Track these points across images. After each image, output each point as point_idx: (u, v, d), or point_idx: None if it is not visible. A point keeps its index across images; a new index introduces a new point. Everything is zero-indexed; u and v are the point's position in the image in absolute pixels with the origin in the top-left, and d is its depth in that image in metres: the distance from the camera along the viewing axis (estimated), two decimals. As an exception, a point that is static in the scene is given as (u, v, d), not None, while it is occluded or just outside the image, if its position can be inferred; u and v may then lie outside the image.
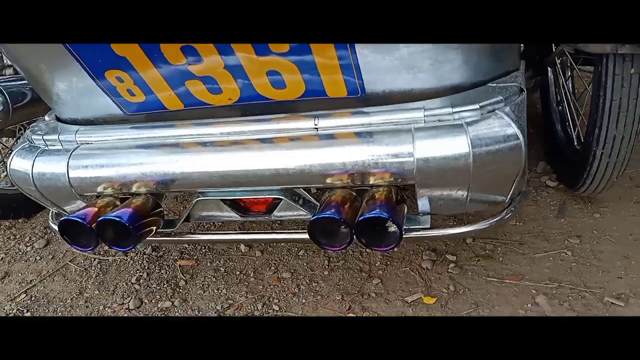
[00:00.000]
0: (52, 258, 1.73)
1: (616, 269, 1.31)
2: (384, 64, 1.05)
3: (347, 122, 1.11)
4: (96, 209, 1.22)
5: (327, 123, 1.12)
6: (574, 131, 1.57)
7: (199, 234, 1.38)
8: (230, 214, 1.31)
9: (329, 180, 1.12)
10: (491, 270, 1.37)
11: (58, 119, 1.38)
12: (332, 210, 1.05)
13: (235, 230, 1.68)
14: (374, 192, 1.11)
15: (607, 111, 1.22)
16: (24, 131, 2.01)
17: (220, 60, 1.08)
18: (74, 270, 1.65)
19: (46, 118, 1.42)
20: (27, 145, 1.32)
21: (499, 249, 1.44)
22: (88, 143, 1.26)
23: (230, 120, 1.20)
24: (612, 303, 1.21)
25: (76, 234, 1.21)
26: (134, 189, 1.23)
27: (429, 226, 1.17)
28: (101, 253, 1.70)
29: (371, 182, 1.10)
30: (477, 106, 1.04)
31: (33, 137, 1.31)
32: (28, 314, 1.49)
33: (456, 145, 1.03)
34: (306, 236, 1.15)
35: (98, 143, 1.25)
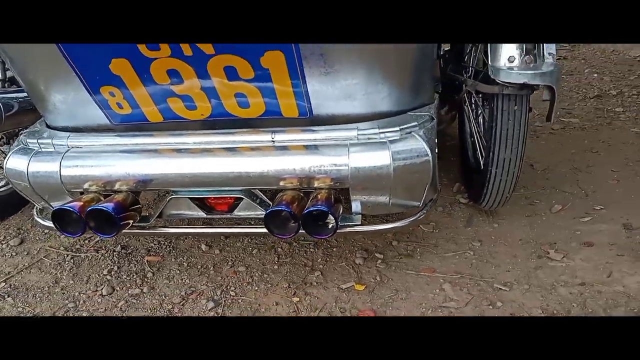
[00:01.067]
0: (27, 254, 1.92)
1: (505, 264, 1.65)
2: (328, 93, 1.36)
3: (297, 137, 1.41)
4: (83, 202, 1.45)
5: (282, 137, 1.41)
6: (481, 158, 1.93)
7: (169, 227, 1.62)
8: (197, 212, 1.57)
9: (281, 183, 1.41)
10: (410, 265, 1.69)
11: (48, 126, 1.61)
12: (284, 205, 1.34)
13: (201, 225, 1.92)
14: (317, 193, 1.40)
15: (498, 138, 1.58)
16: (5, 139, 2.20)
17: (198, 82, 1.36)
18: (48, 264, 1.84)
19: (37, 125, 1.64)
20: (22, 148, 1.54)
21: (418, 249, 1.76)
22: (78, 147, 1.50)
23: (201, 132, 1.47)
24: (499, 289, 1.55)
25: (66, 222, 1.44)
26: (116, 186, 1.48)
27: (359, 223, 1.47)
28: (73, 250, 1.91)
29: (315, 185, 1.40)
30: (397, 128, 1.37)
31: (28, 140, 1.54)
32: (10, 299, 1.68)
33: (381, 158, 1.34)
34: (262, 230, 1.43)
35: (87, 147, 1.49)
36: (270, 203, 1.49)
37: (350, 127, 1.40)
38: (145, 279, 1.72)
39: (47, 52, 1.33)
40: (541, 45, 1.44)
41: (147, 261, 1.80)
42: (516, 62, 1.43)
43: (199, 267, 1.76)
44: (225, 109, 1.43)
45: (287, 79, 1.34)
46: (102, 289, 1.68)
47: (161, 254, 1.84)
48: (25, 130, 1.63)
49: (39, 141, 1.52)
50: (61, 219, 1.42)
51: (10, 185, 2.18)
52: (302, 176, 1.38)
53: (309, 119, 1.43)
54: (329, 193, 1.41)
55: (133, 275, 1.74)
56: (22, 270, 1.82)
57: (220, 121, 1.47)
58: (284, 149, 1.41)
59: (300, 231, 1.36)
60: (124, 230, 1.52)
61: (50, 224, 1.68)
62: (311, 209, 1.32)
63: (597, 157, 2.34)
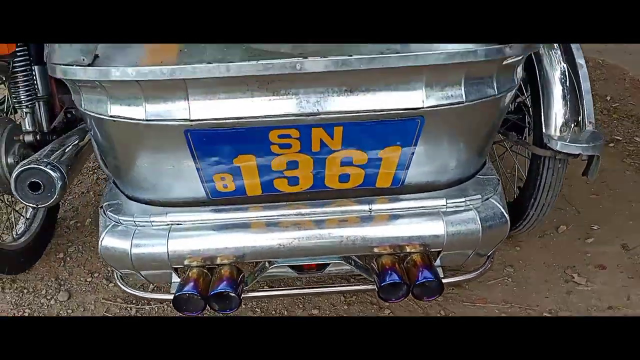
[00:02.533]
0: (84, 310, 1.91)
1: (542, 291, 1.95)
2: (426, 168, 1.52)
3: (392, 206, 1.56)
4: (197, 281, 1.51)
5: (378, 207, 1.55)
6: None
7: (266, 290, 1.72)
8: (288, 272, 1.69)
9: (376, 250, 1.56)
10: (464, 296, 1.93)
11: (130, 198, 1.61)
12: (396, 275, 1.50)
13: (296, 287, 2.01)
14: (413, 257, 1.57)
15: (541, 189, 1.84)
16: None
17: (312, 169, 1.46)
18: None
19: (114, 194, 1.62)
20: (115, 226, 1.54)
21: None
22: (179, 223, 1.53)
23: (298, 204, 1.57)
24: (547, 317, 1.84)
25: (185, 303, 1.49)
26: (218, 260, 1.55)
27: (442, 277, 1.67)
28: (133, 302, 1.93)
29: (409, 250, 1.57)
30: (479, 196, 1.56)
31: (120, 218, 1.54)
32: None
33: (471, 225, 1.54)
34: (359, 287, 1.59)
35: (187, 223, 1.53)
36: (359, 262, 1.65)
37: (439, 196, 1.57)
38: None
39: (173, 141, 1.35)
40: (584, 113, 1.69)
41: (217, 310, 1.88)
42: (568, 132, 1.68)
43: (272, 312, 1.88)
44: (325, 184, 1.54)
45: (396, 164, 1.48)
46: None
47: (228, 300, 1.92)
48: (104, 203, 1.62)
49: (136, 219, 1.53)
50: (181, 301, 1.48)
51: (28, 237, 2.12)
52: (399, 243, 1.55)
53: (396, 188, 1.58)
54: (425, 257, 1.58)
55: (211, 327, 1.82)
56: (91, 331, 1.83)
57: (315, 192, 1.57)
58: (380, 218, 1.56)
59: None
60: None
61: (133, 291, 1.71)
62: (422, 279, 1.50)
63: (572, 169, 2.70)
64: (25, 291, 2.01)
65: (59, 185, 1.59)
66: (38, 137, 1.89)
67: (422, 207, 1.55)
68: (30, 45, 1.82)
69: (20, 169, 1.56)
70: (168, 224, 1.52)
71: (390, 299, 1.54)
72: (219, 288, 1.46)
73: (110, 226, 1.54)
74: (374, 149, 1.42)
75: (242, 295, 1.68)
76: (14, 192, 1.58)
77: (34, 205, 1.63)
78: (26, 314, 1.91)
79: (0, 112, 2.02)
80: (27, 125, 1.88)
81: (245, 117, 1.26)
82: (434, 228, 1.53)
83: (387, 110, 1.29)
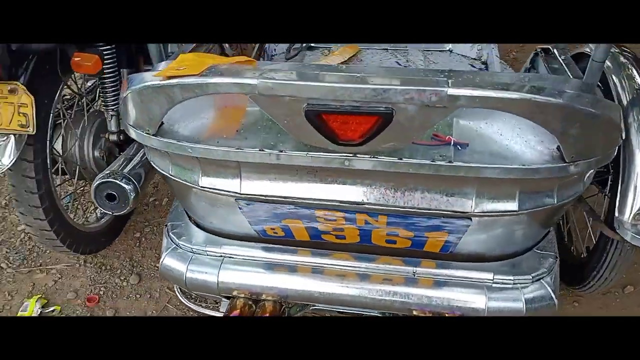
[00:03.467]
0: (149, 297, 2.12)
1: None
2: (477, 243, 1.49)
3: (437, 272, 1.56)
4: (242, 310, 1.62)
5: (422, 271, 1.56)
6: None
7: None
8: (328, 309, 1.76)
9: (415, 312, 1.57)
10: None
11: (194, 223, 1.72)
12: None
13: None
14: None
15: (605, 267, 1.74)
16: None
17: (358, 233, 1.48)
18: (174, 313, 2.05)
19: (180, 217, 1.75)
20: (175, 249, 1.67)
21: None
22: (231, 256, 1.63)
23: (344, 254, 1.61)
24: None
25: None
26: (263, 296, 1.64)
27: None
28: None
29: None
30: (530, 277, 1.52)
31: (180, 242, 1.66)
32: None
33: (515, 303, 1.51)
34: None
35: (239, 257, 1.63)
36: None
37: (487, 269, 1.54)
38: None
39: (226, 202, 1.43)
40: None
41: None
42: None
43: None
44: (372, 241, 1.56)
45: (443, 243, 1.47)
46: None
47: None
48: (169, 223, 1.75)
49: (193, 246, 1.65)
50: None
51: (107, 219, 2.32)
52: (437, 309, 1.55)
53: (444, 255, 1.57)
54: None
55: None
56: (152, 320, 2.03)
57: (361, 247, 1.60)
58: (423, 282, 1.56)
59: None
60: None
61: (189, 304, 1.86)
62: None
63: None
64: (103, 268, 2.24)
65: (132, 197, 1.74)
66: (121, 137, 2.03)
67: (467, 277, 1.54)
68: (118, 50, 1.91)
69: (99, 182, 1.72)
70: (221, 256, 1.63)
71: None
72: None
73: (171, 249, 1.67)
74: (420, 232, 1.42)
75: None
76: (93, 200, 1.75)
77: (110, 213, 1.80)
78: (101, 292, 2.14)
79: (92, 102, 2.18)
80: (112, 126, 2.02)
81: (292, 198, 1.30)
82: (476, 301, 1.52)
83: (434, 211, 1.27)
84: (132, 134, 1.32)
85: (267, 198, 1.33)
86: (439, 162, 1.17)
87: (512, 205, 1.25)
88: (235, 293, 1.64)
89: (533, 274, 1.52)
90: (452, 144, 1.21)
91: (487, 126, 1.29)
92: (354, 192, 1.30)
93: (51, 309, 2.08)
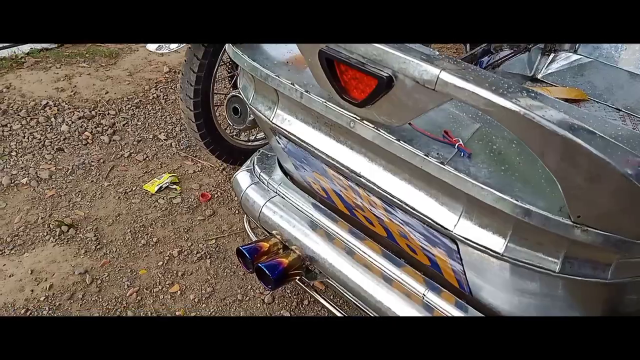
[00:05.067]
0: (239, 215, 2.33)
1: None
2: (486, 290, 1.26)
3: (447, 307, 1.37)
4: (261, 250, 1.69)
5: (432, 297, 1.38)
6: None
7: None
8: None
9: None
10: None
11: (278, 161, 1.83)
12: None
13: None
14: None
15: None
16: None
17: (376, 218, 1.40)
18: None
19: (270, 151, 1.87)
20: (250, 168, 1.80)
21: None
22: (283, 197, 1.70)
23: (374, 245, 1.52)
24: None
25: (242, 256, 1.70)
26: (293, 247, 1.66)
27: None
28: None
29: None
30: None
31: (256, 165, 1.79)
32: (209, 260, 2.11)
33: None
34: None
35: (289, 202, 1.68)
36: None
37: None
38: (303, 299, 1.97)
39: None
40: None
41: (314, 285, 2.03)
42: None
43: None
44: (396, 240, 1.44)
45: (451, 270, 1.28)
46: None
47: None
48: (262, 149, 1.89)
49: (261, 173, 1.76)
50: (240, 252, 1.70)
51: (255, 144, 2.57)
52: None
53: (466, 294, 1.36)
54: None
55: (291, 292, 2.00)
56: (231, 234, 2.24)
57: (390, 246, 1.50)
58: (428, 309, 1.39)
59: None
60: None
61: (250, 232, 1.97)
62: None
63: None
64: (230, 180, 2.52)
65: (250, 117, 1.94)
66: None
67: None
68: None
69: (230, 95, 1.96)
70: (275, 192, 1.70)
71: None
72: (263, 265, 1.61)
73: (246, 166, 1.82)
74: (423, 242, 1.26)
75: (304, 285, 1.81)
76: (224, 109, 2.01)
77: (231, 125, 2.03)
78: (216, 195, 2.42)
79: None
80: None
81: (310, 145, 1.31)
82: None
83: (417, 212, 1.13)
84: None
85: (291, 136, 1.35)
86: (430, 159, 1.03)
87: (498, 244, 1.02)
88: (274, 232, 1.70)
89: None
90: (456, 146, 1.05)
91: (510, 148, 1.07)
92: (355, 159, 1.23)
93: (174, 187, 2.45)
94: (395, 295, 1.43)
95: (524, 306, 1.25)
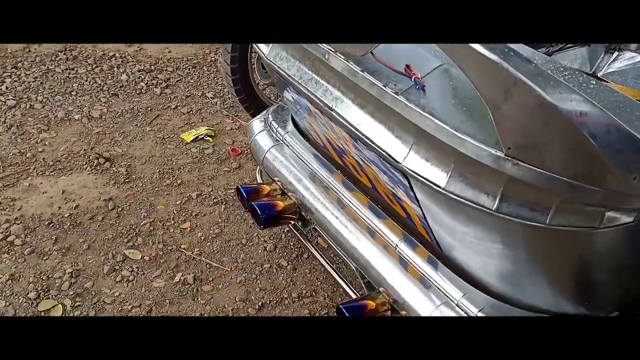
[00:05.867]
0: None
1: None
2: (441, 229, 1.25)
3: (418, 261, 1.36)
4: (261, 190, 1.75)
5: (404, 249, 1.38)
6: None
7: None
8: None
9: (375, 285, 1.41)
10: None
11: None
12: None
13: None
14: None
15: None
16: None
17: (355, 161, 1.41)
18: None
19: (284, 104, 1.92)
20: (265, 117, 1.87)
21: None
22: (288, 145, 1.75)
23: (361, 196, 1.53)
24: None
25: (240, 194, 1.75)
26: (289, 193, 1.71)
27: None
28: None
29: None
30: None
31: (270, 115, 1.85)
32: (223, 206, 2.20)
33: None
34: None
35: (292, 150, 1.73)
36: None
37: (461, 292, 1.27)
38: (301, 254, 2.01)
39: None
40: None
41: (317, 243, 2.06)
42: None
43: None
44: (378, 191, 1.45)
45: (418, 217, 1.28)
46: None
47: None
48: (280, 101, 1.95)
49: (272, 121, 1.82)
50: (239, 191, 1.76)
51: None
52: (389, 296, 1.37)
53: (438, 251, 1.34)
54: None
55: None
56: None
57: (378, 199, 1.50)
58: (402, 261, 1.39)
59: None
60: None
61: (258, 176, 2.04)
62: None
63: None
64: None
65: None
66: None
67: (442, 288, 1.30)
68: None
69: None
70: (281, 141, 1.76)
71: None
72: (256, 204, 1.67)
73: (263, 114, 1.89)
74: (388, 183, 1.27)
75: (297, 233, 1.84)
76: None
77: (260, 80, 2.12)
78: (246, 152, 2.51)
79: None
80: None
81: (295, 79, 1.35)
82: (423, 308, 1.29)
83: (373, 143, 1.14)
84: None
85: (281, 71, 1.40)
86: (387, 89, 1.04)
87: (441, 178, 1.01)
88: (275, 179, 1.76)
89: None
90: (412, 79, 1.05)
91: (466, 86, 1.05)
92: (329, 93, 1.26)
93: (209, 139, 2.57)
94: (373, 246, 1.44)
95: (476, 256, 1.21)
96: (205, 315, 1.73)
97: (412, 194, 1.17)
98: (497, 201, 0.97)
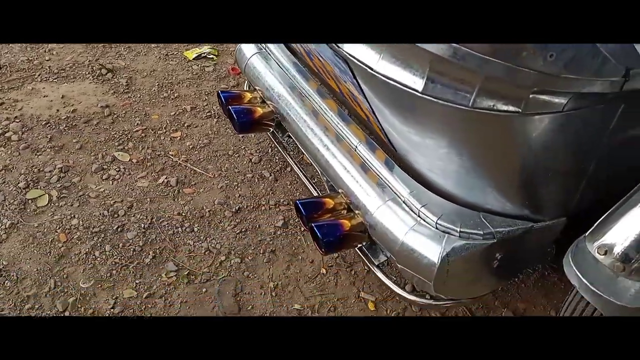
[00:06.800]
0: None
1: None
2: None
3: (375, 163, 1.37)
4: (243, 97, 1.76)
5: (362, 151, 1.39)
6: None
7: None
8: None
9: (334, 185, 1.43)
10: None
11: None
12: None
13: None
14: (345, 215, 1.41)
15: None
16: None
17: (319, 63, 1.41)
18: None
19: None
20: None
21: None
22: (270, 53, 1.75)
23: (331, 103, 1.53)
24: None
25: (218, 97, 1.78)
26: (267, 102, 1.71)
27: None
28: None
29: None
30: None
31: None
32: (215, 119, 2.24)
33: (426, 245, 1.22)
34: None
35: (272, 58, 1.73)
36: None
37: (419, 201, 1.26)
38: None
39: None
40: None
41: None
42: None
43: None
44: (344, 95, 1.45)
45: (365, 113, 1.28)
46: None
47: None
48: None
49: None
50: (219, 96, 1.78)
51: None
52: (346, 198, 1.39)
53: (395, 157, 1.35)
54: (348, 220, 1.39)
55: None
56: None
57: (345, 103, 1.50)
58: (357, 161, 1.40)
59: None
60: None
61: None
62: (318, 226, 1.36)
63: None
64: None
65: None
66: None
67: (388, 183, 1.32)
68: None
69: None
70: (266, 51, 1.77)
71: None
72: (234, 107, 1.69)
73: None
74: (340, 76, 1.26)
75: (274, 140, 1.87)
76: None
77: None
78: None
79: None
80: None
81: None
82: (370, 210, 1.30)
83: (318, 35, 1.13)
84: None
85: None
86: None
87: (373, 59, 1.01)
88: (257, 88, 1.77)
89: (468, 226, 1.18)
90: None
91: None
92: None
93: (211, 56, 2.60)
94: (335, 149, 1.45)
95: (418, 152, 1.20)
96: (183, 214, 1.80)
97: (356, 82, 1.17)
98: (423, 83, 0.97)
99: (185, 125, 2.19)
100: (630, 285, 0.98)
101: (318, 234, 1.33)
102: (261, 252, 1.70)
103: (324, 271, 1.66)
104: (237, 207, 1.84)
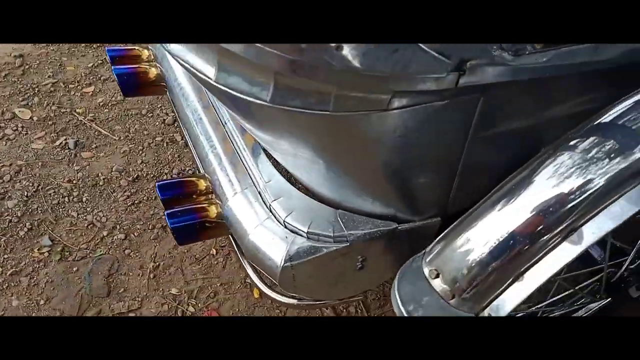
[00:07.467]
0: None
1: None
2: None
3: (242, 145, 1.20)
4: (134, 56, 1.58)
5: (230, 128, 1.21)
6: None
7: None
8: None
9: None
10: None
11: None
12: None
13: None
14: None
15: None
16: None
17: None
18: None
19: None
20: None
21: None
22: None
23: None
24: None
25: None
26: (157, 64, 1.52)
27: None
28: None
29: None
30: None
31: None
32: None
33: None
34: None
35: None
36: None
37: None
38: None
39: None
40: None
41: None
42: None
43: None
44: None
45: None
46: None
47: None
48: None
49: None
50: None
51: None
52: (210, 180, 1.23)
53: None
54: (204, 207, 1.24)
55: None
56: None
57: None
58: (228, 144, 1.23)
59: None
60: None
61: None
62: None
63: None
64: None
65: None
66: None
67: (250, 170, 1.15)
68: None
69: None
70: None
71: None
72: (116, 69, 1.51)
73: None
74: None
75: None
76: None
77: None
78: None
79: None
80: None
81: None
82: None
83: None
84: None
85: None
86: None
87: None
88: (150, 47, 1.58)
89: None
90: None
91: None
92: None
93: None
94: (206, 125, 1.28)
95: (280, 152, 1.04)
96: (74, 181, 1.65)
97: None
98: (215, 72, 0.78)
99: (102, 78, 2.01)
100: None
101: (168, 222, 1.19)
102: (150, 227, 1.56)
103: (214, 252, 1.51)
104: (135, 175, 1.69)
